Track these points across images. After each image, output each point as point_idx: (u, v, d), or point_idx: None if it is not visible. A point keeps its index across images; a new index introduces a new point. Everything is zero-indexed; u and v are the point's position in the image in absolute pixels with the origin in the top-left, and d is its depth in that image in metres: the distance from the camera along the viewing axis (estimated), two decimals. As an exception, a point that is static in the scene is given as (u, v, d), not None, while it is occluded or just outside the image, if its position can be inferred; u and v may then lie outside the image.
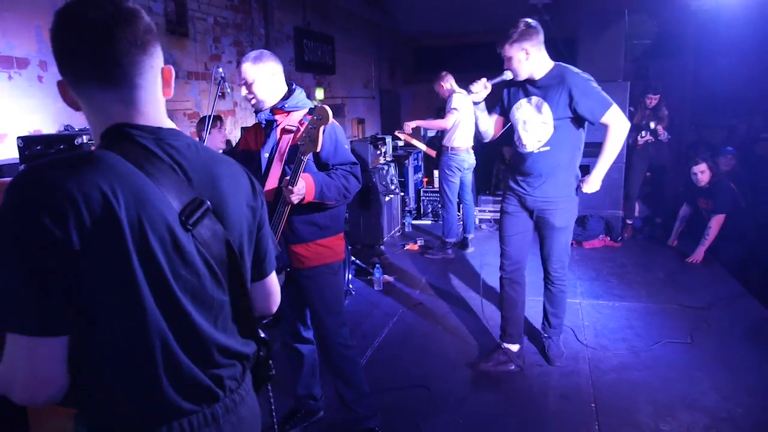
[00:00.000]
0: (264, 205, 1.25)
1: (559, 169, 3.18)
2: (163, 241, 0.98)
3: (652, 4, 7.10)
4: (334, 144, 2.37)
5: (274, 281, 1.33)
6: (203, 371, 1.07)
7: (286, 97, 2.43)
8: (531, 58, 3.05)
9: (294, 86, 2.49)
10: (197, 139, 4.64)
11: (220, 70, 3.22)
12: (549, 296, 3.53)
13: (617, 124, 3.11)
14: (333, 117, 2.23)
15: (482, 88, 3.22)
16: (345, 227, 2.55)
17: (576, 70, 3.10)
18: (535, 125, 3.16)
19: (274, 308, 1.35)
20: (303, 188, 2.21)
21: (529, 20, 3.10)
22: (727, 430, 2.75)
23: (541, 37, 3.07)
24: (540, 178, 3.21)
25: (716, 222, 5.20)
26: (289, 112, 2.42)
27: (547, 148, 3.16)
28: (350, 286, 4.65)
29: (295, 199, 2.19)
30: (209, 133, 3.41)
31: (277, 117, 2.42)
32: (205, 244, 1.05)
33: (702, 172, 5.34)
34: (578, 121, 3.14)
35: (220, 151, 4.56)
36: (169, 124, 1.10)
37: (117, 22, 0.98)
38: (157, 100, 1.08)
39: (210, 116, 3.26)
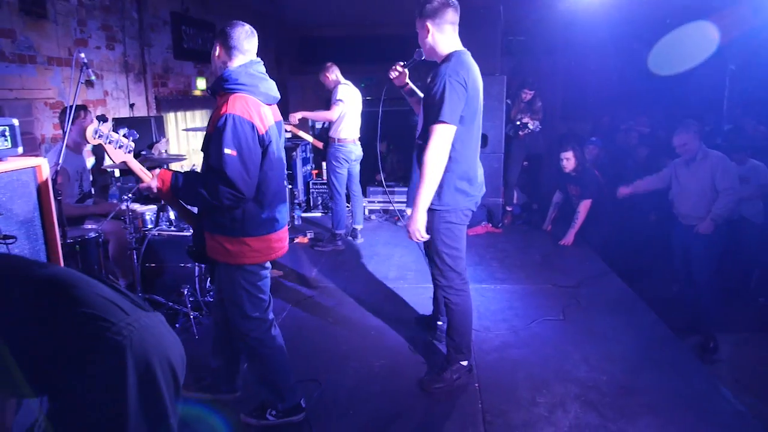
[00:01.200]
0: None
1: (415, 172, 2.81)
2: None
3: (526, 2, 7.51)
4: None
5: None
6: None
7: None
8: (432, 38, 2.79)
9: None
10: (60, 131, 4.25)
11: (82, 55, 2.96)
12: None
13: (430, 140, 2.70)
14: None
15: (398, 72, 3.08)
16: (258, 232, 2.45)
17: (453, 64, 2.72)
18: (421, 117, 2.96)
19: None
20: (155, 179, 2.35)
21: None
22: (594, 397, 3.00)
23: (449, 17, 2.77)
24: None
25: (584, 207, 5.64)
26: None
27: (420, 142, 2.87)
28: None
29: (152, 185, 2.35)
30: (72, 124, 3.14)
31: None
32: None
33: (567, 159, 5.76)
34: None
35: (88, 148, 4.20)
36: None
37: None
38: None
39: (72, 106, 2.99)
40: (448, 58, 2.78)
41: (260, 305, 2.58)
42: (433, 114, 2.68)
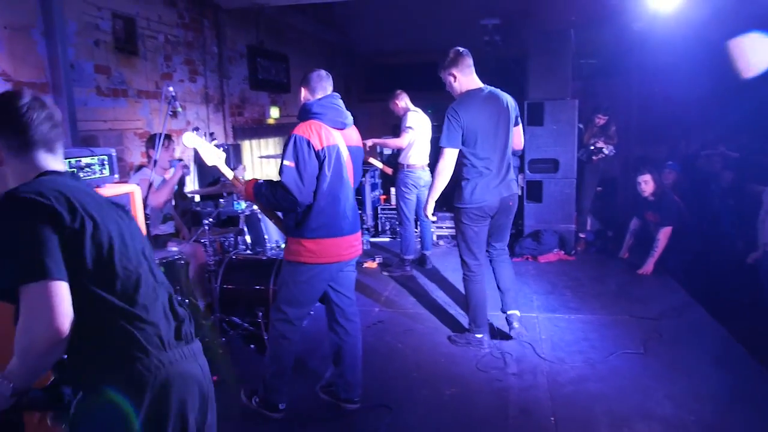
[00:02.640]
0: None
1: None
2: None
3: (597, 25, 7.38)
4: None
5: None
6: None
7: None
8: (458, 83, 3.67)
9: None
10: (147, 157, 4.52)
11: (171, 88, 3.16)
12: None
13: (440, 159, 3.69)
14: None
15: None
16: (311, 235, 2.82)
17: (454, 104, 3.64)
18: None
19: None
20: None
21: (459, 48, 3.67)
22: (681, 438, 2.82)
23: (467, 62, 3.64)
24: None
25: (664, 234, 5.39)
26: None
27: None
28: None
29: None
30: (158, 149, 3.34)
31: None
32: None
33: (646, 182, 5.54)
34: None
35: (170, 169, 4.45)
36: None
37: None
38: None
39: (161, 135, 3.18)
40: (457, 100, 3.69)
41: (296, 304, 2.94)
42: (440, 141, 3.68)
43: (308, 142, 2.71)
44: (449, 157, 3.64)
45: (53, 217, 1.25)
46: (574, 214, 6.42)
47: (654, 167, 5.93)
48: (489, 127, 3.62)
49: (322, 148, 2.74)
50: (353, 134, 3.03)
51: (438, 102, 10.07)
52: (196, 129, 3.12)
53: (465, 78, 3.66)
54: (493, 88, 3.74)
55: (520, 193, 6.41)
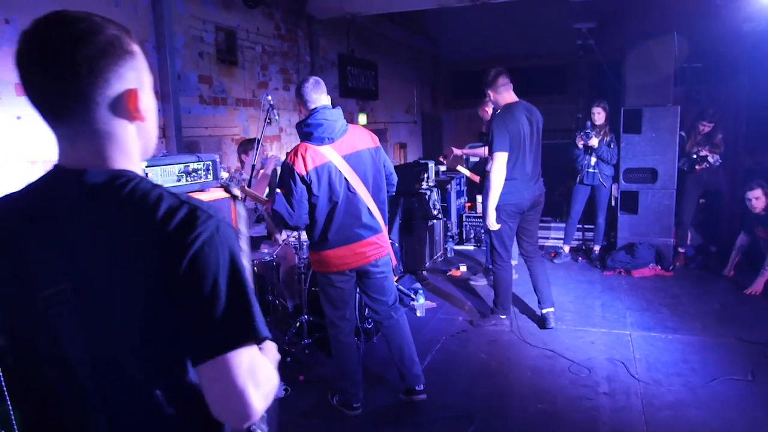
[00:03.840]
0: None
1: None
2: None
3: (703, 26, 6.94)
4: None
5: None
6: None
7: None
8: (495, 99, 4.25)
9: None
10: (239, 164, 4.74)
11: (269, 98, 3.30)
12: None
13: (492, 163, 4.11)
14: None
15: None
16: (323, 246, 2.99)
17: (501, 112, 4.18)
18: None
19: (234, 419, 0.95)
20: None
21: (498, 69, 4.22)
22: (796, 477, 2.57)
23: (501, 81, 4.16)
24: None
25: (776, 252, 4.96)
26: None
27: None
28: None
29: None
30: (246, 155, 3.50)
31: None
32: None
33: (757, 198, 5.13)
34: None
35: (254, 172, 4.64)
36: (118, 164, 0.98)
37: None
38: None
39: (259, 140, 3.34)
40: (497, 114, 4.21)
41: (333, 310, 3.13)
42: (491, 148, 4.11)
43: (291, 170, 2.81)
44: (501, 160, 4.05)
45: None
46: (673, 228, 6.05)
47: (766, 180, 5.48)
48: (526, 135, 4.12)
49: (307, 173, 2.81)
50: (353, 139, 2.97)
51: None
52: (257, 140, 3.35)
53: (500, 96, 4.20)
54: (526, 102, 4.29)
55: (612, 198, 6.19)
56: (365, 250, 3.03)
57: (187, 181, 2.17)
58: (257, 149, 3.32)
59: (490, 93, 4.22)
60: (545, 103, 9.94)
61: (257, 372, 0.93)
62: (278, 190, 2.82)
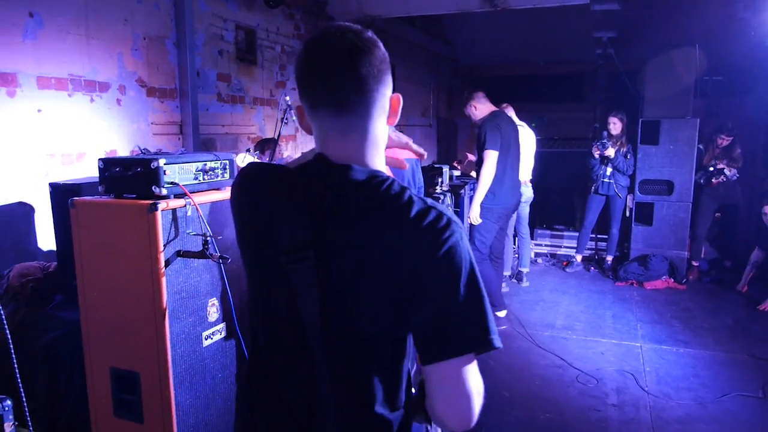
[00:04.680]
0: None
1: None
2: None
3: (725, 40, 6.87)
4: None
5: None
6: None
7: None
8: (479, 110, 4.51)
9: None
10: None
11: (287, 98, 3.31)
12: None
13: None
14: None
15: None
16: None
17: (491, 116, 4.45)
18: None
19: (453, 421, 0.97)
20: None
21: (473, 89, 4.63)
22: (806, 498, 2.54)
23: (482, 94, 4.55)
24: None
25: (792, 268, 4.89)
26: None
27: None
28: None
29: None
30: (261, 155, 3.52)
31: None
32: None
33: (774, 214, 5.07)
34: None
35: None
36: (373, 163, 1.07)
37: (358, 51, 1.01)
38: (372, 134, 1.07)
39: (276, 141, 3.35)
40: (487, 117, 4.42)
41: None
42: (481, 147, 4.34)
43: None
44: (493, 158, 4.26)
45: None
46: (688, 241, 6.00)
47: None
48: (512, 141, 4.46)
49: None
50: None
51: (543, 115, 9.86)
52: (248, 150, 3.37)
53: (484, 105, 4.47)
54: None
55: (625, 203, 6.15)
56: None
57: (203, 179, 2.18)
58: (274, 149, 3.33)
59: (474, 105, 4.49)
60: (562, 111, 10.00)
61: (479, 380, 0.97)
62: None
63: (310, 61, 1.03)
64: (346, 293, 0.99)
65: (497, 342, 0.95)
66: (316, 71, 1.02)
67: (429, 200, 1.01)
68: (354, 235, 0.98)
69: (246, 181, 1.15)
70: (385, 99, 1.07)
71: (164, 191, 1.99)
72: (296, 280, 0.99)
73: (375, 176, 1.03)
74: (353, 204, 1.00)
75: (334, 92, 1.02)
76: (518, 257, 5.92)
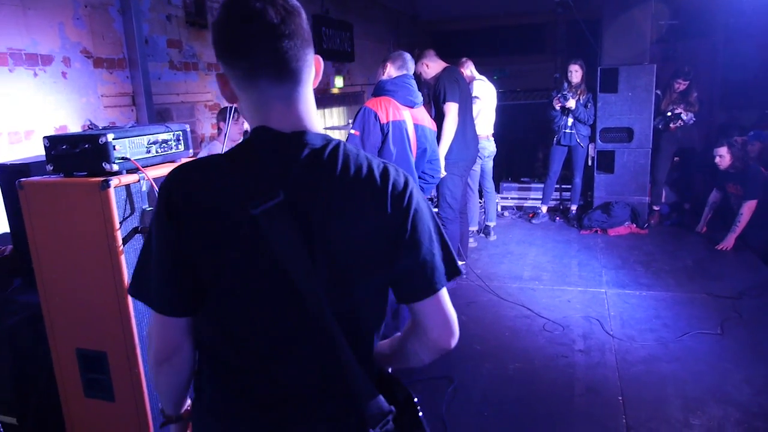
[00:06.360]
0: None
1: None
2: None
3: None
4: None
5: None
6: None
7: None
8: (431, 68, 4.48)
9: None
10: (217, 130, 4.66)
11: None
12: None
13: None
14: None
15: None
16: None
17: (448, 71, 4.44)
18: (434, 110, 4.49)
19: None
20: None
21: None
22: (760, 425, 2.69)
23: (432, 53, 4.55)
24: None
25: (748, 208, 5.06)
26: None
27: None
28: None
29: None
30: (229, 122, 3.42)
31: None
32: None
33: (722, 156, 5.20)
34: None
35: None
36: (317, 127, 1.07)
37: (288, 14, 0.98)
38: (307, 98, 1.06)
39: (232, 108, 3.26)
40: (444, 72, 4.40)
41: None
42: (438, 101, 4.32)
43: (375, 115, 2.97)
44: (455, 110, 4.26)
45: None
46: (649, 186, 6.14)
47: (738, 136, 5.55)
48: (467, 95, 4.60)
49: (387, 122, 2.98)
50: (422, 114, 3.26)
51: (506, 67, 9.83)
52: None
53: (434, 63, 4.46)
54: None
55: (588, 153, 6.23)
56: None
57: (157, 152, 2.11)
58: (229, 116, 3.25)
59: (426, 63, 4.45)
60: (524, 63, 9.98)
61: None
62: (353, 131, 2.96)
63: (241, 29, 0.97)
64: (336, 256, 1.01)
65: (461, 267, 1.14)
66: (251, 39, 0.97)
67: (378, 158, 1.08)
68: (332, 202, 1.00)
69: (183, 187, 1.02)
70: (313, 61, 1.06)
71: (116, 167, 1.92)
72: (279, 244, 0.98)
73: (329, 140, 1.05)
74: (321, 171, 1.01)
75: (275, 60, 0.98)
76: (484, 212, 5.98)
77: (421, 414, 1.14)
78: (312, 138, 1.02)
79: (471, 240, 5.65)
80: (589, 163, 6.34)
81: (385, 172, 1.05)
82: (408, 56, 3.27)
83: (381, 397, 1.07)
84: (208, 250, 1.01)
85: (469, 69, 5.52)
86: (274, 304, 1.03)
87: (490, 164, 5.76)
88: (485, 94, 5.42)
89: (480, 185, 5.72)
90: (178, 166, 1.06)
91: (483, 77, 5.52)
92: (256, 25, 0.96)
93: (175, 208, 1.00)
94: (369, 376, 1.08)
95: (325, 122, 7.51)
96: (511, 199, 7.09)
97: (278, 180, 0.99)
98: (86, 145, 1.92)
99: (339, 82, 7.71)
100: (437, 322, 1.11)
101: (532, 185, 7.05)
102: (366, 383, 1.05)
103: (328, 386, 1.08)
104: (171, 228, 1.00)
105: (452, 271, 1.10)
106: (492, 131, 5.59)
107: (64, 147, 1.95)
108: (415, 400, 1.17)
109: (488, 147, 5.57)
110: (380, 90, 3.13)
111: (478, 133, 5.48)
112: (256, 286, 1.02)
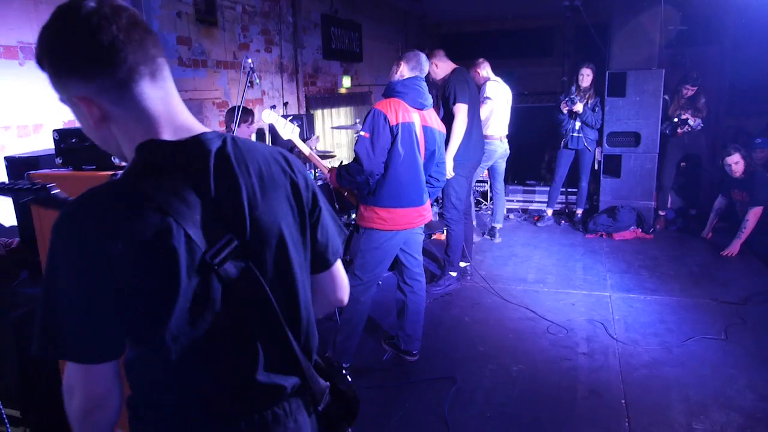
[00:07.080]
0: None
1: None
2: None
3: (690, -12, 6.87)
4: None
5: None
6: None
7: None
8: (440, 68, 4.47)
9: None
10: (225, 128, 4.67)
11: (249, 60, 3.23)
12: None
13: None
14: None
15: None
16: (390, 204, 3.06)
17: (457, 72, 4.44)
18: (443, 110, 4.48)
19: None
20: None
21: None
22: (763, 431, 2.68)
23: (442, 54, 4.54)
24: None
25: (753, 214, 5.05)
26: None
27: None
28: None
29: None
30: (238, 126, 3.43)
31: None
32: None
33: (736, 163, 5.19)
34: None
35: None
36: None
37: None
38: None
39: (239, 107, 3.27)
40: (453, 73, 4.41)
41: (370, 268, 3.14)
42: (448, 102, 4.33)
43: (385, 117, 2.96)
44: (464, 111, 4.25)
45: None
46: (655, 191, 6.12)
47: (744, 143, 5.53)
48: (475, 97, 4.59)
49: (396, 124, 2.98)
50: (431, 116, 3.24)
51: (514, 70, 9.82)
52: (273, 107, 3.36)
53: (444, 63, 4.46)
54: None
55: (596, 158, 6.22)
56: (424, 214, 3.24)
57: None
58: (237, 115, 3.26)
59: (435, 63, 4.42)
60: (532, 66, 9.96)
61: None
62: (363, 133, 2.96)
63: (103, 32, 0.87)
64: (277, 257, 1.06)
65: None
66: (118, 41, 0.88)
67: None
68: (263, 201, 1.03)
69: (100, 221, 0.89)
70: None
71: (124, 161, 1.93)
72: (231, 272, 0.96)
73: (219, 134, 1.03)
74: (235, 169, 1.00)
75: (148, 59, 0.92)
76: (492, 213, 5.97)
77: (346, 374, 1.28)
78: (213, 137, 1.00)
79: (474, 236, 5.65)
80: (596, 167, 6.33)
81: (284, 156, 1.14)
82: (423, 57, 3.23)
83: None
84: (149, 282, 0.91)
85: (485, 70, 5.51)
86: (230, 318, 0.99)
87: (502, 165, 5.76)
88: (498, 95, 5.41)
89: (490, 186, 5.72)
90: (84, 198, 0.93)
91: (498, 78, 5.52)
92: (117, 25, 0.90)
93: (96, 244, 0.88)
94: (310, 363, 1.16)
95: (333, 122, 7.52)
96: (517, 201, 7.09)
97: (209, 211, 0.95)
98: (96, 139, 1.93)
99: (346, 82, 7.72)
100: (342, 284, 1.31)
101: (537, 188, 7.04)
102: (309, 369, 1.12)
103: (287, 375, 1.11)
104: (94, 266, 0.88)
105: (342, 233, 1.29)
106: (506, 132, 5.59)
107: (73, 141, 1.97)
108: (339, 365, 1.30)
109: (500, 148, 5.54)
110: (390, 91, 3.14)
111: (491, 134, 5.51)
112: (209, 308, 0.96)
